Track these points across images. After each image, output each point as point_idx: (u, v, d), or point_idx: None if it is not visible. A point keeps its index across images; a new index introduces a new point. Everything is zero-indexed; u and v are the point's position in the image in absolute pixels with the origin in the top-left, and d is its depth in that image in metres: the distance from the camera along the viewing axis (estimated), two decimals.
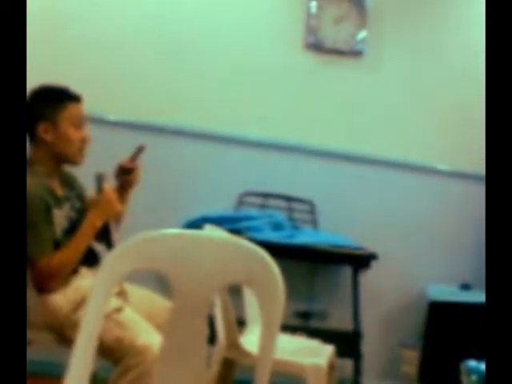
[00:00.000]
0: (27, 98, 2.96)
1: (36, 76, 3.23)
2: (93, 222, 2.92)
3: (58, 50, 4.31)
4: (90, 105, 3.09)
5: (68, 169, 3.10)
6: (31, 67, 4.12)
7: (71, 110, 2.94)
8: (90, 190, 3.09)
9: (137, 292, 3.07)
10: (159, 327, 2.73)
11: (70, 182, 3.09)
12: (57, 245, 2.85)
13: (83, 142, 2.98)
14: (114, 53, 4.38)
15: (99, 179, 2.99)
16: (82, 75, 4.20)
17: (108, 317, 2.62)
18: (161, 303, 3.03)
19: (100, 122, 4.22)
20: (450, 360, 4.01)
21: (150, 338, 2.67)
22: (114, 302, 2.76)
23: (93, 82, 4.25)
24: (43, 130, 2.90)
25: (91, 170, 2.98)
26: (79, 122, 2.97)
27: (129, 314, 2.80)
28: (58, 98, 2.94)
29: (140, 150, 3.13)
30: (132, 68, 4.39)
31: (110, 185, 3.03)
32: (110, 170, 3.09)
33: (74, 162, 2.99)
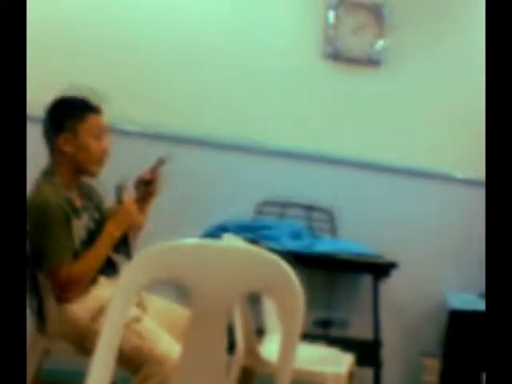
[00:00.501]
0: (47, 109, 2.99)
1: (52, 85, 3.27)
2: (112, 232, 2.93)
3: (74, 58, 4.34)
4: (109, 115, 3.11)
5: (87, 179, 3.12)
6: (47, 76, 4.22)
7: (92, 121, 2.95)
8: (108, 201, 3.10)
9: (156, 302, 3.07)
10: (178, 337, 2.72)
11: (88, 193, 3.10)
12: (75, 255, 2.87)
13: (103, 153, 2.99)
14: (133, 61, 4.40)
15: (119, 190, 3.00)
16: (100, 85, 4.23)
17: (127, 326, 2.63)
18: (180, 313, 3.03)
19: (119, 132, 4.24)
20: (470, 369, 4.00)
21: (168, 348, 2.67)
22: (133, 312, 2.76)
23: (111, 92, 4.27)
24: (64, 141, 2.92)
25: (111, 180, 3.00)
26: (99, 134, 2.98)
27: (148, 324, 2.80)
28: (78, 109, 2.96)
29: (161, 161, 3.14)
30: (150, 78, 4.41)
31: (130, 196, 3.04)
32: (129, 180, 3.10)
33: (92, 173, 3.01)
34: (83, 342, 2.81)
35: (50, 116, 2.98)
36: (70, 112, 2.94)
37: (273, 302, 2.16)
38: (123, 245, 3.02)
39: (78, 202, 2.98)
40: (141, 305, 2.93)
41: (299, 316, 1.99)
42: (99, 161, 2.98)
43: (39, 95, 3.14)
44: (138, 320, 2.77)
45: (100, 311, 2.76)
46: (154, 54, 4.41)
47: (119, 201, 2.99)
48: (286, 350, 2.02)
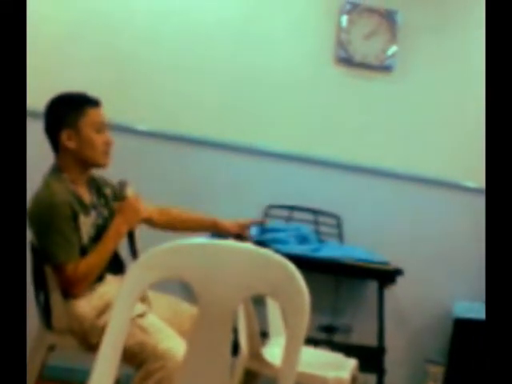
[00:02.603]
0: (47, 107, 2.99)
1: (65, 83, 3.27)
2: (118, 228, 2.92)
3: (84, 58, 4.34)
4: (119, 114, 3.11)
5: (99, 173, 3.12)
6: (59, 74, 4.22)
7: (91, 114, 2.95)
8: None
9: (162, 299, 3.07)
10: (184, 334, 2.72)
11: (98, 189, 3.10)
12: (83, 251, 2.87)
13: (106, 144, 2.99)
14: (143, 63, 4.40)
15: (122, 186, 3.00)
16: (111, 85, 4.25)
17: (132, 321, 2.63)
18: (186, 310, 3.03)
19: (128, 131, 4.25)
20: (474, 377, 3.99)
21: (172, 344, 2.67)
22: (138, 308, 2.76)
23: (121, 92, 4.28)
24: (67, 138, 2.92)
25: (119, 177, 3.01)
26: (100, 126, 2.98)
27: (152, 320, 2.80)
28: (77, 104, 2.95)
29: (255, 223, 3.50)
30: (159, 79, 4.41)
31: (133, 191, 3.03)
32: (136, 178, 3.10)
33: (99, 164, 3.00)
34: (88, 338, 2.82)
35: (50, 114, 2.97)
36: (70, 108, 2.94)
37: (278, 304, 2.15)
38: (129, 242, 3.01)
39: (87, 198, 2.99)
40: (145, 301, 2.94)
41: (304, 319, 1.99)
42: (104, 153, 2.98)
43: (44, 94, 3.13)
44: (142, 316, 2.77)
45: (106, 308, 2.77)
46: (166, 57, 4.41)
47: (122, 197, 3.00)
48: (290, 353, 2.01)
